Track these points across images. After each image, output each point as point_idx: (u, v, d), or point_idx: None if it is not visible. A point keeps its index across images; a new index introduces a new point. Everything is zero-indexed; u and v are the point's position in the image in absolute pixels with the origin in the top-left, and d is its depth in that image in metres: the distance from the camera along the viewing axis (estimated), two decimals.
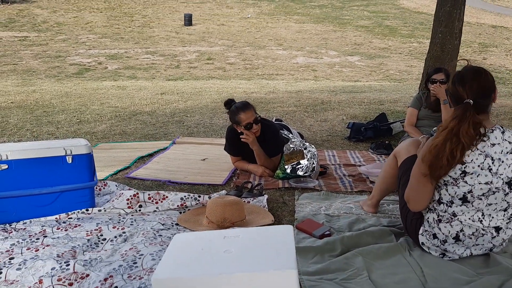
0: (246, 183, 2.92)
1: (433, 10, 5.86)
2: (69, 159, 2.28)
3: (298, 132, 4.00)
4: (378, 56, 19.04)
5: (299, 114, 6.01)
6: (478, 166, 1.75)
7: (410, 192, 1.88)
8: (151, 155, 3.78)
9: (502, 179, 1.76)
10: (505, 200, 1.79)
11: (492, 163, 1.75)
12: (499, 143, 1.76)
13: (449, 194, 1.81)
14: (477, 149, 1.74)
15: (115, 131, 4.92)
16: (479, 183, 1.75)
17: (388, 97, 7.75)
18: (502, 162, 1.76)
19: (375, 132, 4.29)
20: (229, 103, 3.15)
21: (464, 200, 1.79)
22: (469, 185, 1.76)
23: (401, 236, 2.08)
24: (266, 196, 2.68)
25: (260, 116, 3.10)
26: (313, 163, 3.02)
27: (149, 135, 4.75)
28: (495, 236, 1.82)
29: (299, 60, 18.26)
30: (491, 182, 1.75)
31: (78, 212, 2.32)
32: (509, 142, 1.77)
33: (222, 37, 22.54)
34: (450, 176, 1.78)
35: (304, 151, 3.04)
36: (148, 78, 14.33)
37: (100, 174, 3.08)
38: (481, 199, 1.78)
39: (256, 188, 2.83)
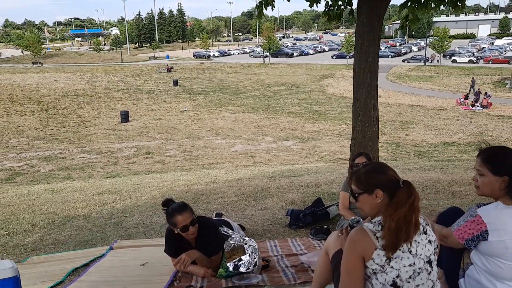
0: (188, 287, 2.83)
1: None
2: None
3: (239, 225, 4.02)
4: (311, 139, 20.08)
5: (240, 204, 6.06)
6: (400, 250, 1.85)
7: (341, 284, 1.94)
8: (86, 265, 3.58)
9: (423, 259, 1.88)
10: (430, 279, 1.90)
11: (410, 245, 1.87)
12: None
13: (380, 283, 1.87)
14: None
15: (47, 241, 4.64)
16: (404, 266, 1.85)
17: (323, 179, 8.08)
18: (418, 243, 1.89)
19: (313, 218, 4.41)
20: (166, 204, 3.13)
21: (394, 285, 1.86)
22: (396, 269, 1.85)
23: None
24: None
25: (196, 217, 3.07)
26: (255, 257, 3.02)
27: (85, 241, 4.52)
28: None
29: (238, 147, 18.76)
30: (414, 263, 1.86)
31: None
32: (420, 224, 1.91)
33: (160, 131, 22.82)
34: (377, 264, 1.86)
35: (244, 246, 3.05)
36: (85, 178, 13.93)
37: None
38: (409, 281, 1.86)
39: None
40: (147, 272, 3.28)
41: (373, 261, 1.85)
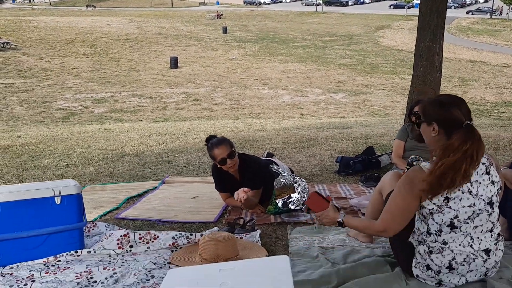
0: (238, 219, 2.89)
1: (413, 48, 6.07)
2: (57, 200, 2.24)
3: (288, 168, 4.01)
4: (362, 93, 19.48)
5: (288, 151, 6.04)
6: (459, 190, 1.78)
7: (388, 216, 1.90)
8: (140, 195, 3.74)
9: (483, 200, 1.81)
10: (490, 221, 1.83)
11: (471, 185, 1.79)
12: None
13: (437, 223, 1.83)
14: None
15: (103, 173, 4.86)
16: (463, 207, 1.79)
17: (374, 131, 7.87)
18: (480, 183, 1.81)
19: (363, 165, 4.32)
20: (208, 139, 3.19)
21: (452, 226, 1.81)
22: (454, 210, 1.79)
23: (396, 266, 2.06)
24: (259, 231, 2.65)
25: (235, 150, 3.09)
26: (304, 196, 3.02)
27: (138, 176, 4.71)
28: (486, 260, 1.83)
29: (285, 98, 18.57)
30: (474, 204, 1.79)
31: (67, 254, 2.26)
32: (482, 163, 1.82)
33: (208, 79, 22.91)
34: (434, 204, 1.81)
35: (294, 185, 3.05)
36: (135, 121, 14.37)
37: (89, 216, 3.01)
38: (467, 222, 1.80)
39: (248, 224, 2.81)
40: (198, 205, 3.38)
41: (430, 201, 1.80)
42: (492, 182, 1.83)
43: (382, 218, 1.92)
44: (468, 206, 1.78)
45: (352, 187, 3.86)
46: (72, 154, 6.17)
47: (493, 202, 1.84)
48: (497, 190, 1.85)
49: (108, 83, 21.53)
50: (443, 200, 1.78)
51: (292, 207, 2.98)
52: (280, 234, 2.69)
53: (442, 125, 1.83)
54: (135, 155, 6.01)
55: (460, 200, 1.78)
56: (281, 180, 3.08)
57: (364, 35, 39.57)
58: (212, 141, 3.11)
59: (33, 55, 27.87)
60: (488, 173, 1.83)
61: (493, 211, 1.83)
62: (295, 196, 3.00)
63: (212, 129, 9.42)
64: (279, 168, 3.32)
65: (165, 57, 28.29)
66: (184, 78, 22.97)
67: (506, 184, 2.34)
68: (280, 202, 2.99)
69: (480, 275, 1.86)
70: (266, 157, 4.02)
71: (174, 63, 25.53)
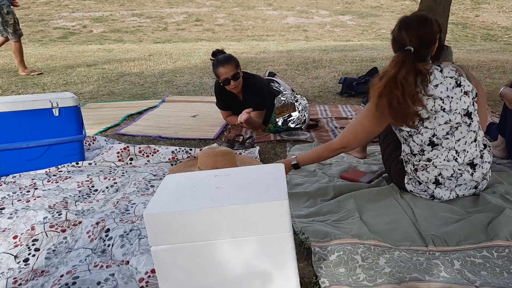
0: (237, 136, 2.90)
1: None
2: (55, 112, 2.23)
3: (290, 88, 3.95)
4: (370, 15, 18.73)
5: (290, 72, 5.94)
6: (431, 109, 1.76)
7: (351, 135, 1.93)
8: (140, 113, 3.74)
9: (459, 113, 1.79)
10: (471, 130, 1.83)
11: (443, 102, 1.77)
12: (441, 82, 1.78)
13: (417, 144, 1.84)
14: (424, 94, 1.74)
15: (102, 92, 4.83)
16: (439, 125, 1.78)
17: (380, 54, 7.68)
18: (452, 98, 1.78)
19: (367, 87, 4.25)
20: (215, 54, 3.08)
21: (432, 144, 1.82)
22: (430, 129, 1.79)
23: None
24: (258, 148, 2.67)
25: (240, 71, 2.99)
26: (304, 115, 3.00)
27: (138, 95, 4.67)
28: (472, 173, 1.85)
29: (290, 20, 17.91)
30: (450, 120, 1.78)
31: (68, 165, 2.30)
32: (451, 77, 1.79)
33: None
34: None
35: (295, 103, 3.01)
36: (135, 41, 14.00)
37: (89, 132, 3.04)
38: (447, 138, 1.80)
39: (247, 141, 2.82)
40: (198, 122, 3.38)
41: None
42: (466, 93, 1.80)
43: (344, 136, 1.94)
44: (444, 123, 1.78)
45: (354, 108, 3.83)
46: (71, 73, 6.10)
47: (471, 112, 1.82)
48: (472, 98, 1.83)
49: (106, 1, 20.67)
50: (418, 121, 1.78)
51: (292, 125, 2.98)
52: (279, 151, 2.71)
53: (393, 45, 1.83)
54: (135, 74, 5.93)
55: (434, 119, 1.77)
56: (282, 98, 3.05)
57: None
58: (219, 58, 2.99)
59: None
60: (459, 85, 1.79)
61: (472, 121, 1.82)
62: (295, 114, 2.98)
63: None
64: (280, 86, 3.27)
65: None
66: None
67: (506, 104, 2.30)
68: (280, 121, 2.98)
69: (470, 188, 1.88)
70: (268, 76, 3.95)
71: None
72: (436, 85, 1.77)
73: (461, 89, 1.80)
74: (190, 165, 2.39)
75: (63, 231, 1.59)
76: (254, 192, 1.12)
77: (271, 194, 1.10)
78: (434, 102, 1.76)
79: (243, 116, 2.82)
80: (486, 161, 1.87)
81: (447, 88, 1.78)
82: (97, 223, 1.58)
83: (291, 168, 2.01)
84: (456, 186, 1.86)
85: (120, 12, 18.53)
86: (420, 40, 1.74)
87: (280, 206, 1.06)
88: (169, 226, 1.08)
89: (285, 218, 1.08)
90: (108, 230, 1.57)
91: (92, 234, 1.57)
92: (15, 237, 1.53)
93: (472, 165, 1.84)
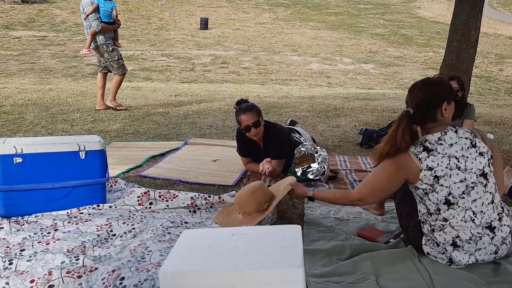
0: None
1: (450, 20, 5.82)
2: (82, 155, 2.31)
3: (310, 137, 3.99)
4: (393, 65, 18.93)
5: (312, 119, 6.00)
6: (446, 167, 1.80)
7: (368, 190, 1.97)
8: (163, 155, 3.81)
9: (475, 172, 1.82)
10: (487, 192, 1.83)
11: (458, 161, 1.81)
12: (456, 142, 1.84)
13: (433, 202, 1.84)
14: (439, 153, 1.80)
15: (128, 131, 4.97)
16: (455, 183, 1.80)
17: (402, 105, 7.69)
18: (467, 157, 1.82)
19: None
20: (238, 103, 3.19)
21: (448, 203, 1.82)
22: (446, 187, 1.81)
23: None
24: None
25: (262, 120, 3.09)
26: (324, 167, 3.01)
27: (162, 135, 4.79)
28: (493, 237, 1.81)
29: (313, 66, 18.24)
30: (465, 179, 1.80)
31: (89, 207, 2.35)
32: (466, 138, 1.85)
33: (237, 42, 22.64)
34: (427, 184, 1.82)
35: (315, 154, 3.04)
36: (163, 80, 14.43)
37: (112, 172, 3.11)
38: (463, 197, 1.80)
39: None
40: (218, 168, 3.42)
41: (422, 182, 1.83)
42: (481, 154, 1.85)
43: (360, 190, 1.99)
44: (459, 182, 1.80)
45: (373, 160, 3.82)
46: (100, 110, 6.30)
47: (487, 173, 1.84)
48: (488, 160, 1.87)
49: (138, 41, 21.56)
50: (433, 179, 1.81)
51: (311, 177, 2.99)
52: (296, 202, 2.71)
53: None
54: (161, 114, 6.09)
55: (450, 176, 1.80)
56: (302, 149, 3.08)
57: (400, 5, 38.00)
58: (241, 106, 3.12)
59: (66, 9, 28.01)
60: (474, 146, 1.85)
61: (488, 182, 1.84)
62: (314, 166, 3.00)
63: (238, 93, 9.39)
64: (300, 137, 3.31)
65: (196, 18, 27.99)
66: (213, 40, 22.77)
67: None
68: (299, 171, 3.00)
69: (491, 253, 1.84)
70: (289, 124, 4.00)
71: (204, 24, 25.25)
72: (451, 144, 1.82)
73: (476, 150, 1.84)
74: (229, 212, 2.33)
75: (79, 277, 1.61)
76: (269, 256, 1.13)
77: (287, 260, 1.10)
78: (450, 160, 1.80)
79: (267, 166, 2.89)
80: (505, 224, 1.85)
81: (462, 148, 1.83)
82: (113, 271, 1.60)
83: (305, 197, 2.17)
84: (476, 251, 1.82)
85: (150, 51, 19.26)
86: (420, 102, 1.86)
87: (295, 274, 1.06)
88: (183, 285, 1.09)
89: (299, 285, 1.08)
90: (123, 278, 1.59)
91: (107, 281, 1.59)
92: (32, 281, 1.56)
93: (491, 228, 1.82)
